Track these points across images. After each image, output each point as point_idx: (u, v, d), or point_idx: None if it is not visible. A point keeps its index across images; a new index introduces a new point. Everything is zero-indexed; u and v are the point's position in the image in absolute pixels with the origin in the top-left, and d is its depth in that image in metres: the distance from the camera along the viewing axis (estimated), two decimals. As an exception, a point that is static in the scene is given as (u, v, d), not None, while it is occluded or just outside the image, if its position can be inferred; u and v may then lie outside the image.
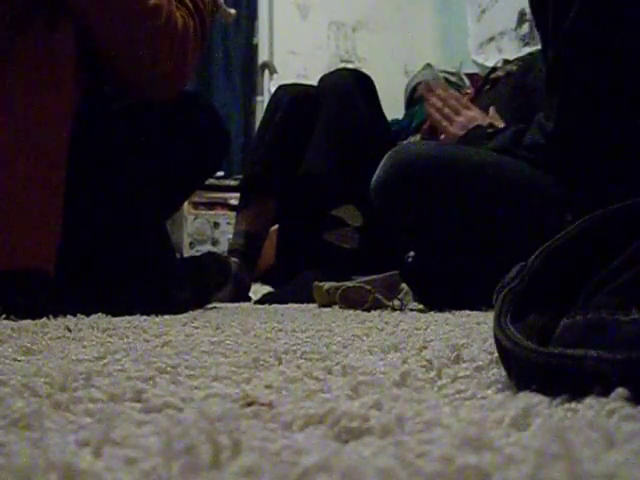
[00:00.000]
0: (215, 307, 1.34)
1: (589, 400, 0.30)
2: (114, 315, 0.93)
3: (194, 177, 1.35)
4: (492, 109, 1.63)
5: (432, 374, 0.41)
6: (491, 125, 1.51)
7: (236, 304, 1.60)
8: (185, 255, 3.19)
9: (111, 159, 1.11)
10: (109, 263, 1.08)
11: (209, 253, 1.44)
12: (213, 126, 1.30)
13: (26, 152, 0.98)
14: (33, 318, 0.87)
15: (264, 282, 2.16)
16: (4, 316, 0.89)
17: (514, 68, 2.18)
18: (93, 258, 1.07)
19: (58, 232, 0.98)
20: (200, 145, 1.27)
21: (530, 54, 2.34)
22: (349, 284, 1.25)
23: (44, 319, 0.86)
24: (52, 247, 0.97)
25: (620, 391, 0.29)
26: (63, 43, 1.03)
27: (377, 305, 1.18)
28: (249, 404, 0.32)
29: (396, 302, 1.19)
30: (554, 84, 0.99)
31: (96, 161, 1.09)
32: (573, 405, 0.31)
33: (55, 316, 0.89)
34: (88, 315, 0.90)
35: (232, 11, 1.36)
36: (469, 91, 2.36)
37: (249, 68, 4.07)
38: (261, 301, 1.64)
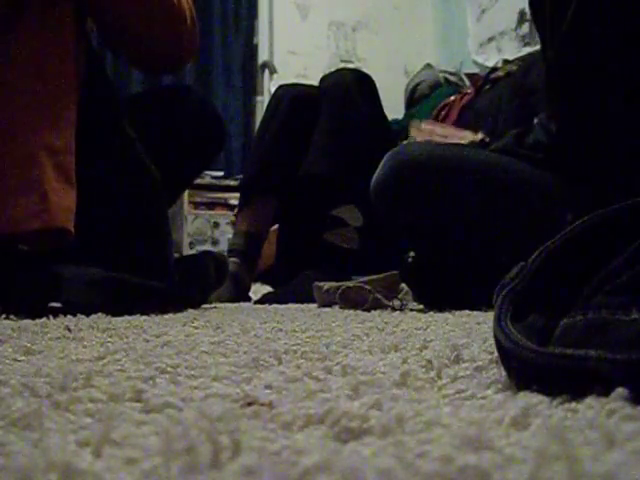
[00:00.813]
0: (215, 307, 1.34)
1: (589, 400, 0.30)
2: (114, 315, 0.93)
3: (190, 167, 1.36)
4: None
5: (432, 374, 0.41)
6: (482, 140, 1.57)
7: (236, 304, 1.60)
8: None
9: (107, 149, 1.12)
10: (107, 256, 1.09)
11: (206, 252, 1.45)
12: (209, 118, 1.31)
13: (38, 118, 1.00)
14: (33, 318, 0.87)
15: (264, 282, 2.16)
16: (4, 316, 0.89)
17: (514, 68, 2.18)
18: (91, 251, 1.07)
19: (74, 193, 1.00)
20: (196, 136, 1.28)
21: (530, 54, 2.35)
22: (349, 284, 1.25)
23: (44, 319, 0.86)
24: (71, 207, 0.98)
25: (620, 391, 0.29)
26: (61, 20, 1.04)
27: (377, 305, 1.18)
28: (249, 404, 0.32)
29: (396, 302, 1.19)
30: (554, 83, 0.99)
31: (92, 150, 1.09)
32: (573, 405, 0.31)
33: (55, 316, 0.89)
34: (88, 315, 0.90)
35: None
36: (469, 91, 2.36)
37: (249, 68, 4.07)
38: (261, 301, 1.64)
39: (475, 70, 3.18)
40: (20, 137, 0.99)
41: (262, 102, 3.69)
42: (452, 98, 2.37)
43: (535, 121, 1.37)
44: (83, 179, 1.02)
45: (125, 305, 0.97)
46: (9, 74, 1.01)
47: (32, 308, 0.92)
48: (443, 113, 2.33)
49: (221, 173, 3.73)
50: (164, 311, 1.04)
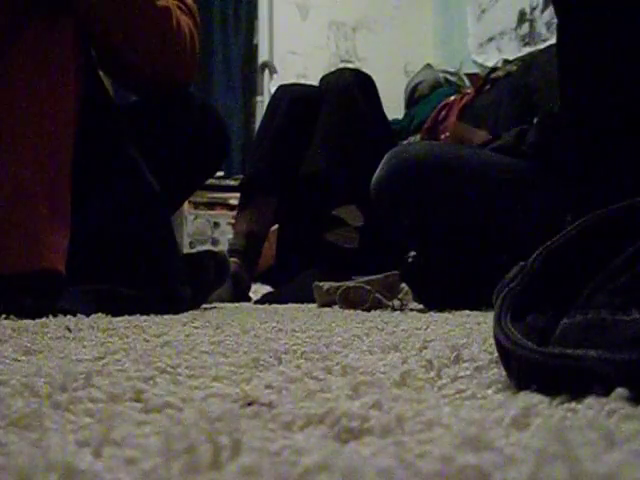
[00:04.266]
0: (215, 307, 1.34)
1: (589, 400, 0.30)
2: (114, 315, 0.93)
3: (194, 175, 1.35)
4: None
5: (432, 374, 0.41)
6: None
7: (236, 304, 1.60)
8: (185, 255, 3.17)
9: (113, 157, 1.11)
10: (112, 260, 1.08)
11: (207, 251, 1.44)
12: (212, 125, 1.30)
13: (32, 153, 0.98)
14: (33, 318, 0.87)
15: (264, 282, 2.16)
16: (4, 316, 0.88)
17: (514, 68, 2.18)
18: (95, 256, 1.07)
19: (67, 231, 0.98)
20: (199, 143, 1.27)
21: (530, 54, 2.34)
22: (349, 284, 1.25)
23: (44, 319, 0.86)
24: (62, 247, 0.97)
25: (620, 391, 0.29)
26: (61, 41, 1.03)
27: (377, 305, 1.18)
28: (249, 404, 0.32)
29: (396, 302, 1.19)
30: (565, 62, 0.97)
31: (98, 159, 1.09)
32: (573, 405, 0.31)
33: (55, 316, 0.89)
34: (88, 315, 0.90)
35: None
36: (469, 91, 2.36)
37: (249, 68, 4.07)
38: (261, 301, 1.64)
39: (475, 70, 3.18)
40: (12, 170, 0.97)
41: (262, 102, 3.69)
42: (452, 98, 2.37)
43: (535, 121, 1.37)
44: (82, 201, 1.01)
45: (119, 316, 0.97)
46: (3, 98, 1.00)
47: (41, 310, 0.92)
48: (443, 113, 2.33)
49: (221, 173, 3.73)
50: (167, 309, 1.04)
